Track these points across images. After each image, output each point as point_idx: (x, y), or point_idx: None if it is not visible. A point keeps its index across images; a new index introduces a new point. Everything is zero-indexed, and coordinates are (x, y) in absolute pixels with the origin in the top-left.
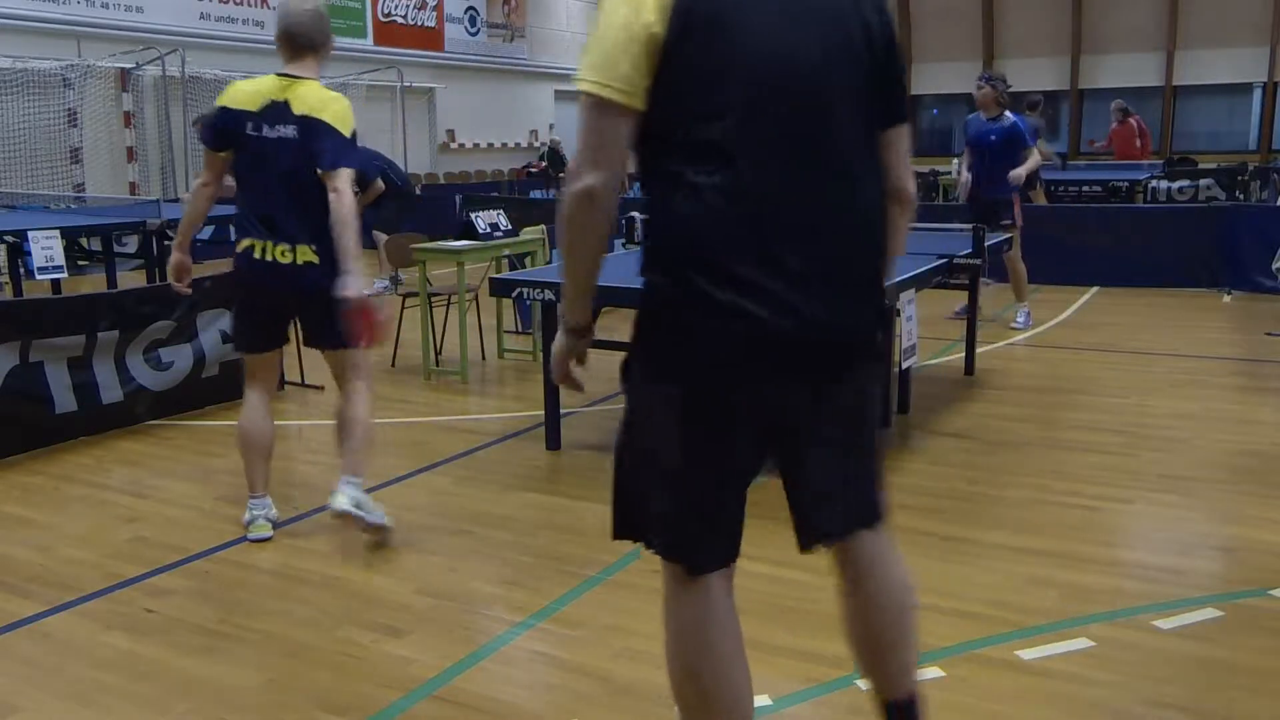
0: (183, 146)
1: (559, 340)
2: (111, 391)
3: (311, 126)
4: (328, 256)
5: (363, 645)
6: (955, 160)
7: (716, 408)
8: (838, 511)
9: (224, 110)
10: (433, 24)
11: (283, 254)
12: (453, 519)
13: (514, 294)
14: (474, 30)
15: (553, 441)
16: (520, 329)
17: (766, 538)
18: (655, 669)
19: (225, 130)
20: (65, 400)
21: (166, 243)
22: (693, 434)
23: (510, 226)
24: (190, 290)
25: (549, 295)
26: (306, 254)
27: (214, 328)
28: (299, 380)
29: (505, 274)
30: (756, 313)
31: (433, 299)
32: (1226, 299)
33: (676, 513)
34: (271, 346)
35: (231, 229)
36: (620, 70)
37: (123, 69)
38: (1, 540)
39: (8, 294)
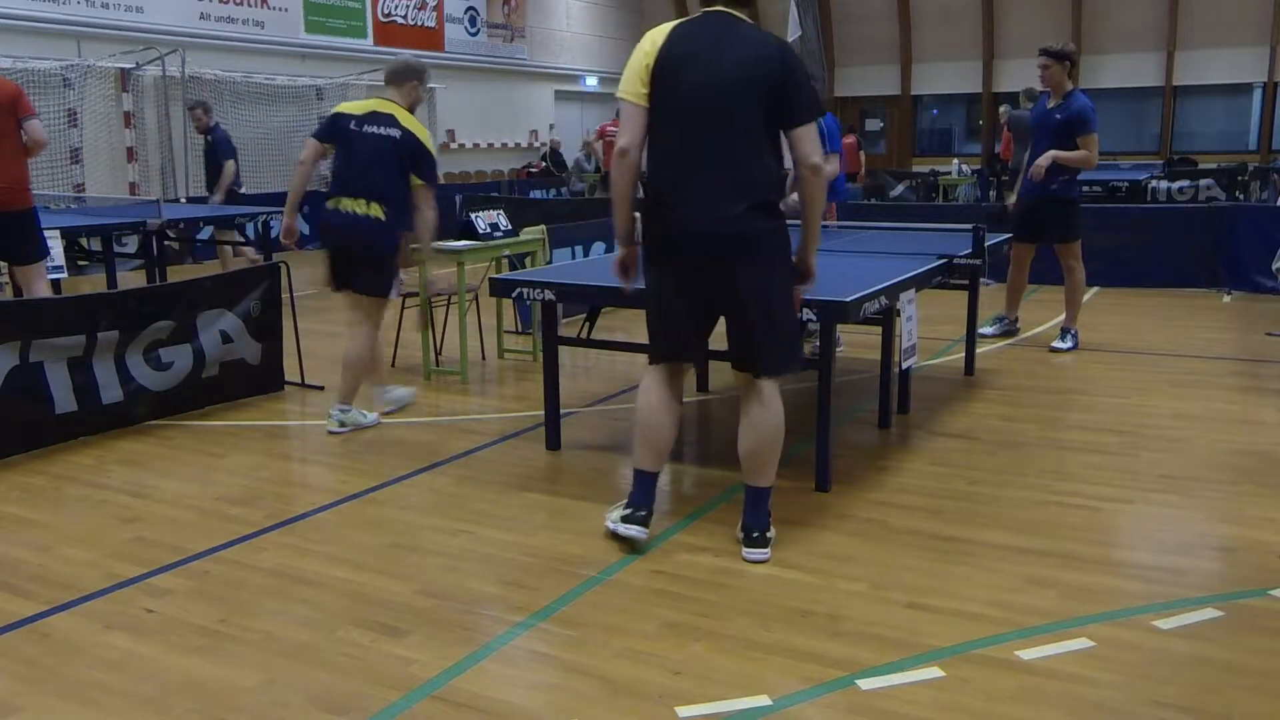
0: (183, 146)
1: (616, 252)
2: (111, 391)
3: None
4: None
5: (363, 645)
6: (955, 160)
7: (673, 276)
8: (744, 356)
9: (336, 115)
10: (433, 24)
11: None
12: (453, 519)
13: (514, 294)
14: (474, 30)
15: (553, 441)
16: (520, 329)
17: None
18: (655, 669)
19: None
20: (65, 400)
21: (167, 243)
22: (664, 290)
23: (510, 226)
24: (294, 247)
25: (549, 295)
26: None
27: (214, 328)
28: (299, 380)
29: (505, 274)
30: (672, 221)
31: (433, 299)
32: (1226, 299)
33: (655, 331)
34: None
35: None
36: (635, 88)
37: (123, 69)
38: (1, 540)
39: (8, 294)
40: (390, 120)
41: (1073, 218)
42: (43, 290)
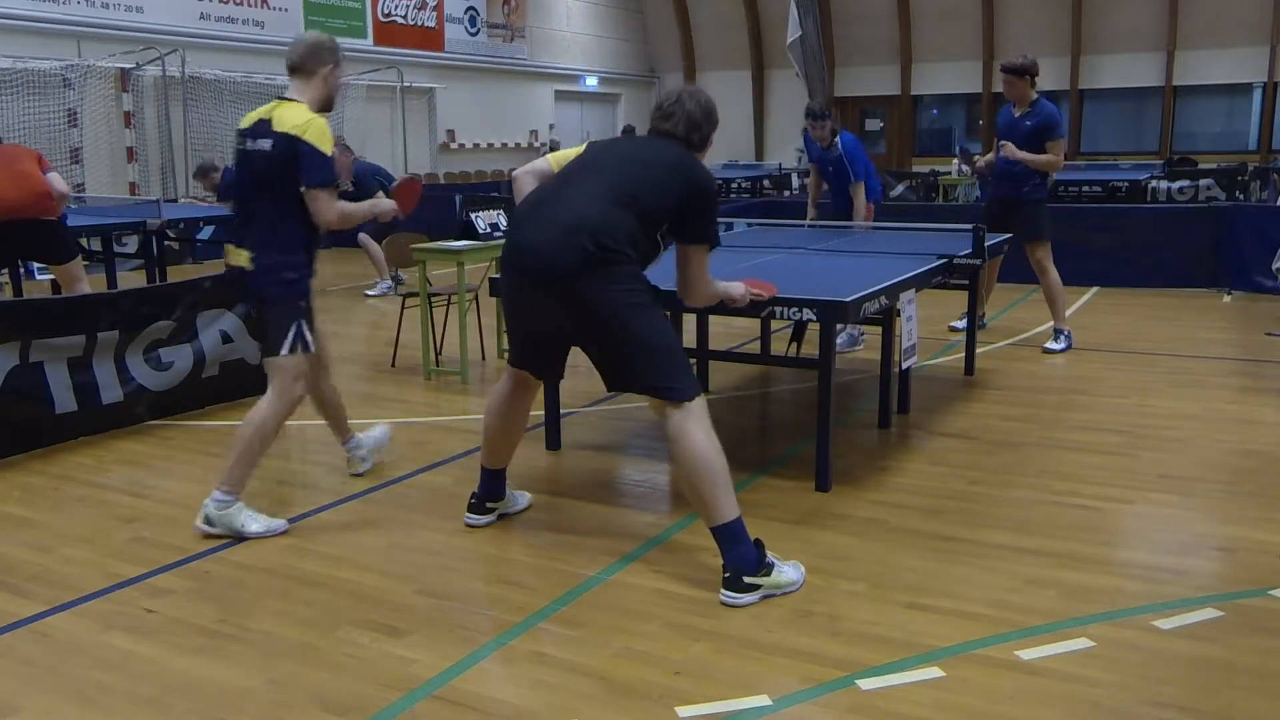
0: (183, 146)
1: None
2: (111, 391)
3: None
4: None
5: (363, 645)
6: (955, 160)
7: (511, 293)
8: (612, 375)
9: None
10: (433, 24)
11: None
12: (453, 519)
13: None
14: (474, 30)
15: (553, 441)
16: None
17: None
18: (655, 669)
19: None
20: (65, 400)
21: (167, 243)
22: (506, 302)
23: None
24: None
25: None
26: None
27: (214, 328)
28: None
29: None
30: (512, 240)
31: (433, 299)
32: (1226, 299)
33: (511, 342)
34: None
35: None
36: (558, 158)
37: (123, 69)
38: (1, 540)
39: (8, 294)
40: (264, 128)
41: (1041, 218)
42: (83, 288)
